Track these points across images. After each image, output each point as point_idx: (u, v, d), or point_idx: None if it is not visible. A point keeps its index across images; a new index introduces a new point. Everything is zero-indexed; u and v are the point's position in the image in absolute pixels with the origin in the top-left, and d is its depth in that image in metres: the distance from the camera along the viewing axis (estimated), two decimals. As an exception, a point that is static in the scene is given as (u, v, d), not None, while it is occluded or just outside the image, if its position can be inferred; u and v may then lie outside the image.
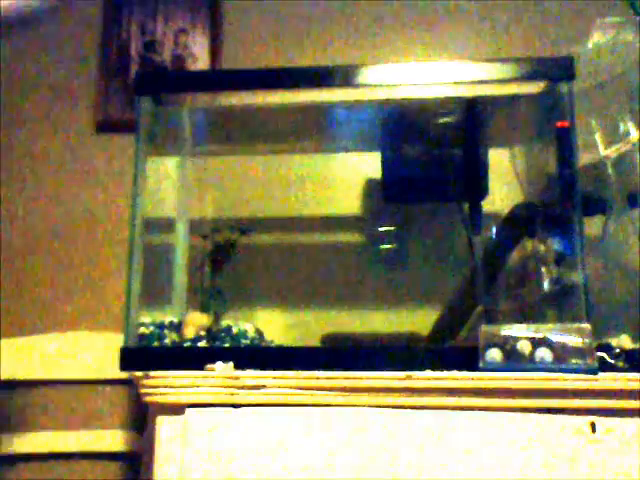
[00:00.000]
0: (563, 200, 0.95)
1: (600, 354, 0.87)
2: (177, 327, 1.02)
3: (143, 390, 0.89)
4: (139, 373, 0.89)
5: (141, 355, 0.94)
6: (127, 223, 1.03)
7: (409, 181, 1.14)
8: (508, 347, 0.87)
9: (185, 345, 0.99)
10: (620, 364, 0.88)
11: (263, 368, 0.89)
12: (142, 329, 1.00)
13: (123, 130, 1.41)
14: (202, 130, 1.28)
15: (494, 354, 0.87)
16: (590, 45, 1.07)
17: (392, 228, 1.30)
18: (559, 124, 0.96)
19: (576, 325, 0.87)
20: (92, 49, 1.48)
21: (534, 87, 1.01)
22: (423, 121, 1.13)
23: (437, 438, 0.86)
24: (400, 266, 1.30)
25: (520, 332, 0.87)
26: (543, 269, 1.04)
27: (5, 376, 1.29)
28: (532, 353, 0.86)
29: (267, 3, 1.46)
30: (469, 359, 0.87)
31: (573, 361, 0.85)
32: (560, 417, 0.85)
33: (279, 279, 1.32)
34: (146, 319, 1.02)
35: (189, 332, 1.00)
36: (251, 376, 0.88)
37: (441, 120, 1.12)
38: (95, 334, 1.33)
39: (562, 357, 0.85)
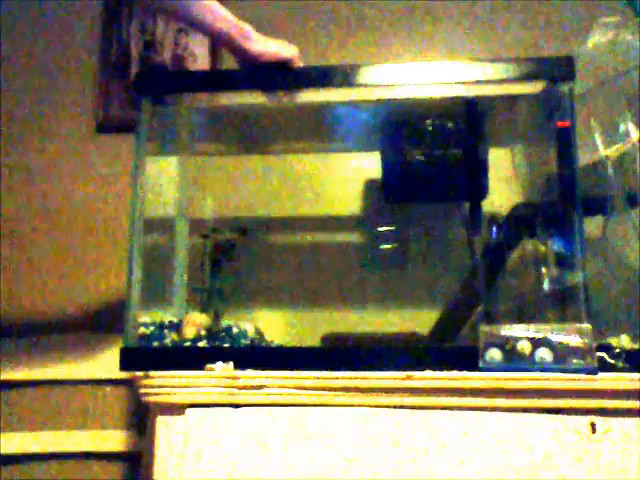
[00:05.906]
0: (563, 200, 0.95)
1: (600, 354, 0.86)
2: (177, 327, 1.02)
3: (143, 390, 0.89)
4: (139, 373, 0.89)
5: (141, 355, 0.94)
6: (127, 223, 1.03)
7: (409, 181, 1.14)
8: (508, 347, 0.87)
9: (185, 345, 0.99)
10: (620, 364, 0.88)
11: (263, 368, 0.89)
12: (142, 329, 1.00)
13: (123, 130, 1.41)
14: (202, 130, 1.28)
15: (494, 354, 0.87)
16: (590, 45, 1.07)
17: (392, 228, 1.30)
18: (559, 124, 0.96)
19: (576, 325, 0.87)
20: (92, 49, 1.48)
21: (534, 87, 1.01)
22: (423, 121, 1.13)
23: (437, 438, 0.86)
24: (400, 266, 1.30)
25: (520, 332, 0.87)
26: (543, 269, 1.04)
27: (5, 376, 1.29)
28: (532, 353, 0.86)
29: (267, 3, 1.46)
30: (469, 359, 0.87)
31: (573, 361, 0.85)
32: (560, 417, 0.85)
33: (279, 279, 1.32)
34: (146, 319, 1.02)
35: (189, 332, 1.00)
36: (251, 376, 0.88)
37: (441, 120, 1.12)
38: (95, 334, 1.33)
39: (562, 357, 0.85)
